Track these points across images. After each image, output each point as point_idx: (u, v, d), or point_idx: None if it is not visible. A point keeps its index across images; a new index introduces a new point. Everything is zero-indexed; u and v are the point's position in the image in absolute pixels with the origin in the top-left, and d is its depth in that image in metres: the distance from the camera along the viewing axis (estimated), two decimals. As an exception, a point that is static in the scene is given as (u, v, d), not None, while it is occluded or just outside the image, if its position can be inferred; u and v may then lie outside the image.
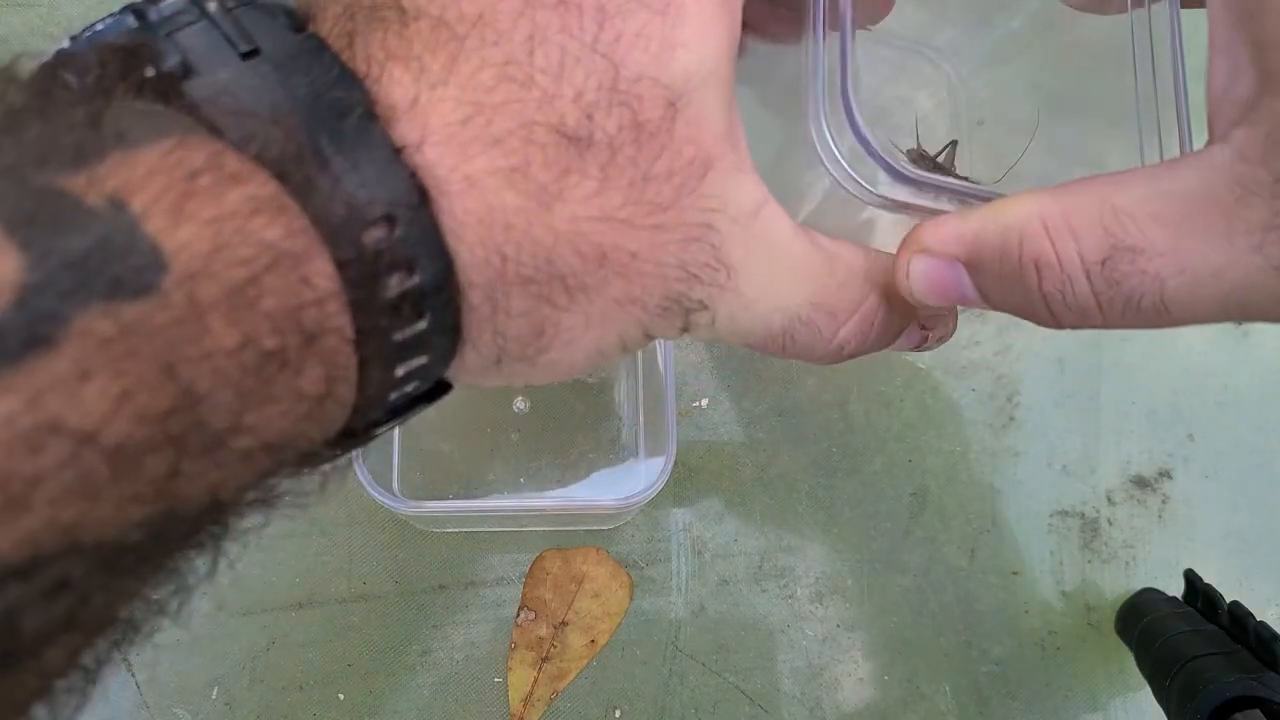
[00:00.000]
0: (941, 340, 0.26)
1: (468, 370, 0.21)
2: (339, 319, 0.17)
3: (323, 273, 0.17)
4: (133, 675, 0.49)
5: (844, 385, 0.54)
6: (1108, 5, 0.26)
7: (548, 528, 0.51)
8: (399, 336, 0.18)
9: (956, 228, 0.22)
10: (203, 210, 0.15)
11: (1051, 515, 0.54)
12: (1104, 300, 0.20)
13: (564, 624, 0.50)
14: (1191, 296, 0.19)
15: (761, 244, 0.22)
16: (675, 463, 0.43)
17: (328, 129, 0.17)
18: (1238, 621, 0.44)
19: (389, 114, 0.18)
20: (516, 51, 0.18)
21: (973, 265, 0.22)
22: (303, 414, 0.17)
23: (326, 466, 0.21)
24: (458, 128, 0.18)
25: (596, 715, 0.50)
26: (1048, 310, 0.21)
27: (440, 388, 0.22)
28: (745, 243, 0.21)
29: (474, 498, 0.51)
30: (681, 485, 0.53)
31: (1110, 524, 0.54)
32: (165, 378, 0.15)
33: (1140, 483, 0.55)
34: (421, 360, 0.19)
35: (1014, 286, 0.21)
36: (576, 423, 0.52)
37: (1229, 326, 0.56)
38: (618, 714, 0.50)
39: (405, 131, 0.18)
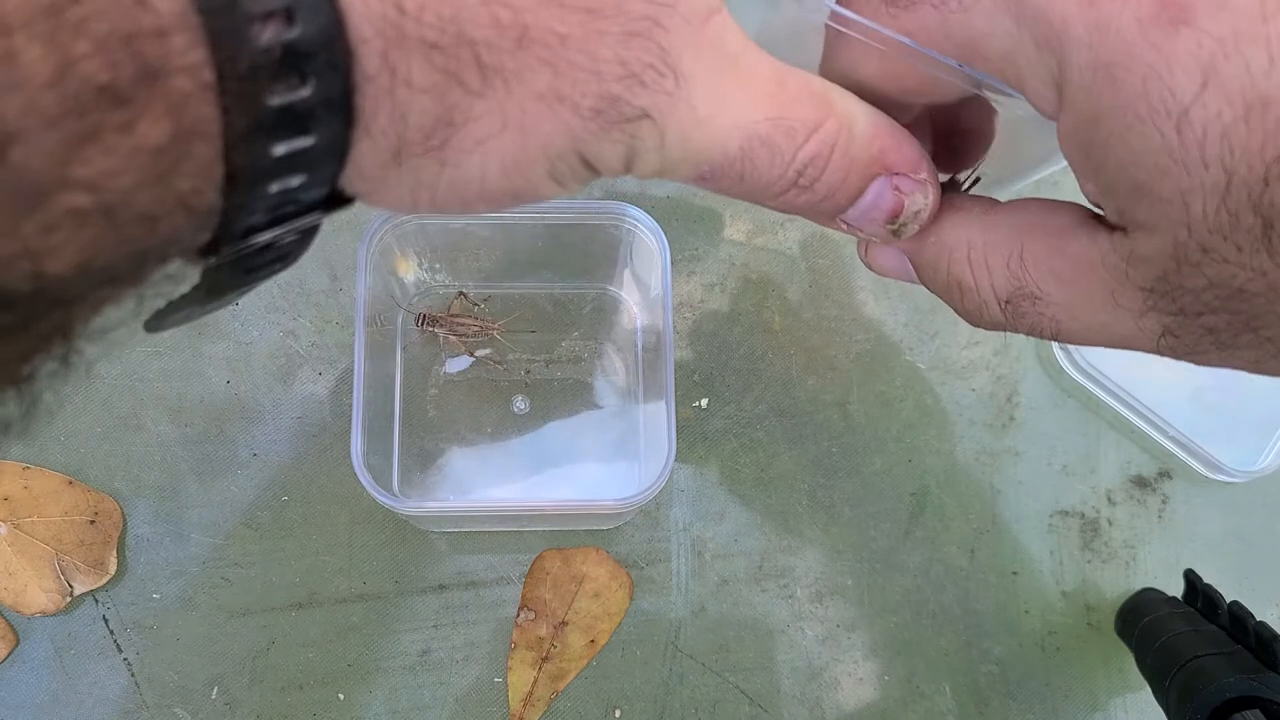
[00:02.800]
0: (919, 218, 0.23)
1: (363, 173, 0.18)
2: (190, 55, 0.14)
3: None
4: (133, 675, 0.49)
5: (844, 385, 0.55)
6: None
7: (548, 528, 0.51)
8: (275, 101, 0.16)
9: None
10: None
11: (1051, 515, 0.54)
12: (1011, 324, 0.23)
13: (564, 624, 0.50)
14: (1083, 337, 0.22)
15: (714, 52, 0.20)
16: (675, 463, 0.43)
17: None
18: (1238, 621, 0.44)
19: None
20: None
21: (915, 263, 0.25)
22: (145, 169, 0.14)
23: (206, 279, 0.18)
24: None
25: (596, 715, 0.50)
26: (968, 318, 0.24)
27: (335, 199, 0.19)
28: (697, 47, 0.19)
29: (474, 498, 0.51)
30: (681, 485, 0.53)
31: (1110, 524, 0.54)
32: None
33: (1140, 483, 0.55)
34: (305, 142, 0.16)
35: (943, 292, 0.24)
36: (576, 423, 0.52)
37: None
38: (618, 714, 0.50)
39: None
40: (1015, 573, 0.53)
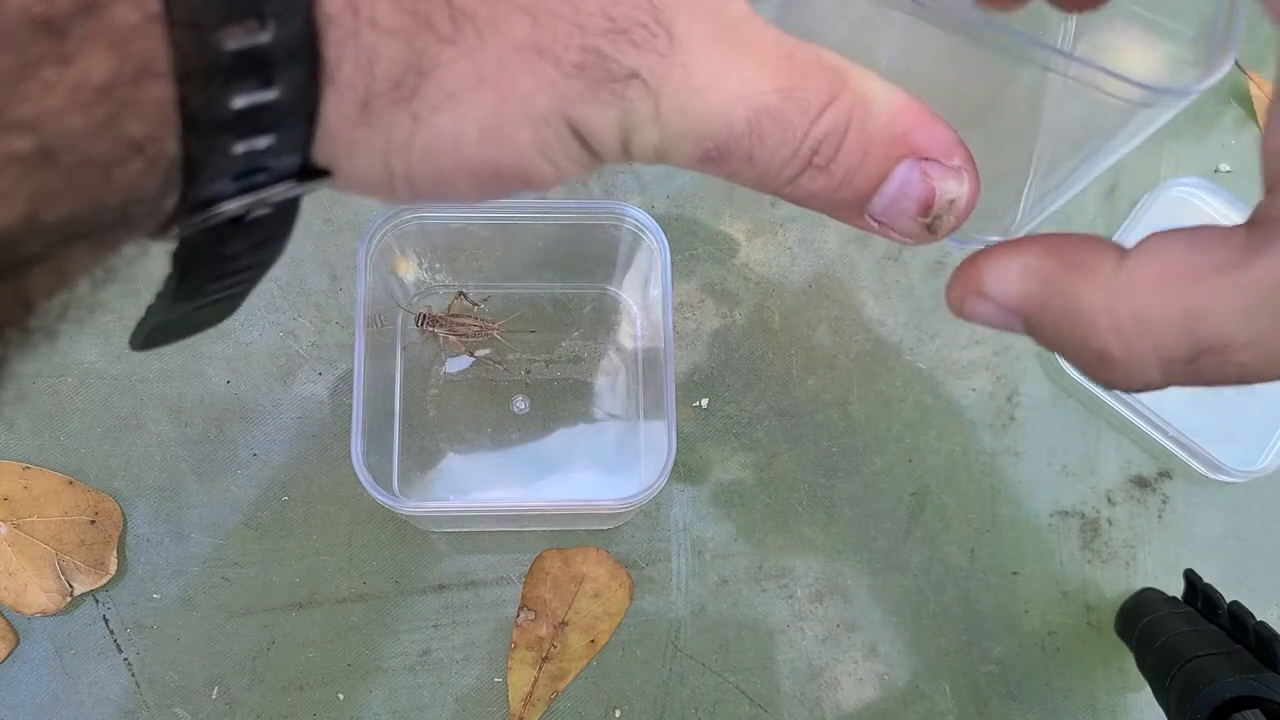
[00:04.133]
0: (955, 208, 0.20)
1: (330, 134, 0.17)
2: None
3: None
4: (133, 675, 0.49)
5: (844, 385, 0.55)
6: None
7: (548, 528, 0.51)
8: (231, 44, 0.15)
9: (1020, 283, 0.21)
10: None
11: (1051, 515, 0.54)
12: (1177, 381, 0.20)
13: (564, 624, 0.50)
14: (1272, 372, 0.19)
15: (713, 16, 0.18)
16: (675, 463, 0.43)
17: None
18: (1238, 621, 0.44)
19: None
20: None
21: (1033, 326, 0.21)
22: (90, 108, 0.14)
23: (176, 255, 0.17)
24: None
25: (596, 715, 0.50)
26: (1109, 384, 0.21)
27: (306, 171, 0.18)
28: (693, 10, 0.18)
29: (474, 498, 0.51)
30: (681, 485, 0.53)
31: (1110, 524, 0.54)
32: None
33: (1140, 483, 0.55)
34: (267, 96, 0.16)
35: (1078, 359, 0.21)
36: (576, 423, 0.52)
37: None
38: (618, 714, 0.50)
39: None
40: (1015, 573, 0.53)
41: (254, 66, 0.15)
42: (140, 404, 0.51)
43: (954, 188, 0.20)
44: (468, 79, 0.17)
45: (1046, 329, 0.21)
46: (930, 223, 0.20)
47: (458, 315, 0.51)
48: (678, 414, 0.52)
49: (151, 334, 0.20)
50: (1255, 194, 0.20)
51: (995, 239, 0.25)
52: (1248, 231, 0.19)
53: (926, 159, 0.20)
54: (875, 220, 0.21)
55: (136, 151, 0.14)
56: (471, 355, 0.52)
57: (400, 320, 0.52)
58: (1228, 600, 0.46)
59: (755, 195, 0.60)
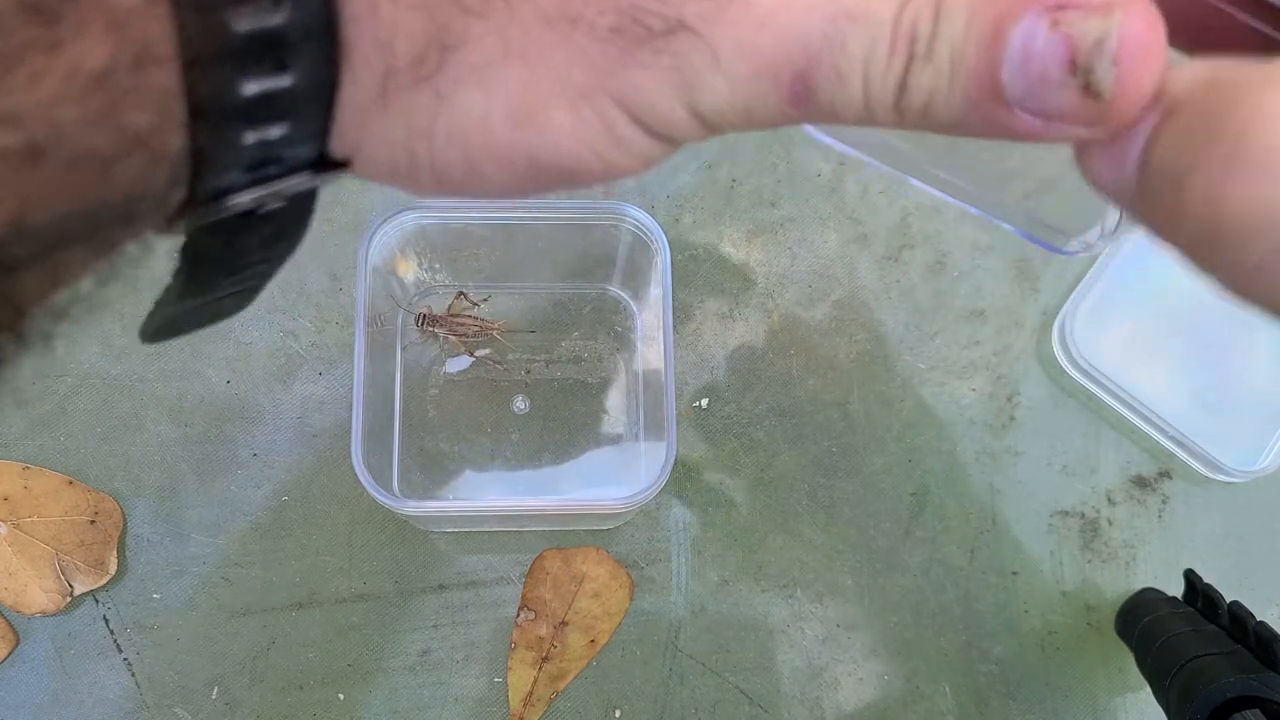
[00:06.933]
0: (1106, 50, 0.14)
1: (347, 120, 0.16)
2: None
3: None
4: (133, 675, 0.49)
5: (844, 385, 0.55)
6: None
7: (548, 528, 0.51)
8: (241, 25, 0.14)
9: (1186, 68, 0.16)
10: None
11: (1051, 515, 0.54)
12: None
13: (564, 624, 0.50)
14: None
15: None
16: (675, 463, 0.43)
17: None
18: (1238, 621, 0.44)
19: None
20: None
21: (1170, 131, 0.16)
22: (86, 99, 0.12)
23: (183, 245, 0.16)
24: None
25: (596, 715, 0.50)
26: (1257, 236, 0.15)
27: (323, 161, 0.16)
28: None
29: (474, 498, 0.51)
30: (681, 485, 0.53)
31: (1110, 524, 0.54)
32: None
33: (1140, 483, 0.55)
34: (282, 81, 0.14)
35: (1220, 183, 0.15)
36: (576, 423, 0.52)
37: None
38: (618, 714, 0.50)
39: None
40: (1015, 573, 0.53)
41: (266, 49, 0.14)
42: (140, 404, 0.51)
43: (1097, 25, 0.14)
44: (494, 53, 0.15)
45: (1192, 128, 0.15)
46: (1089, 84, 0.15)
47: (458, 315, 0.51)
48: (678, 414, 0.52)
49: (161, 327, 0.19)
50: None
51: (1097, 240, 0.23)
52: None
53: (1050, 6, 0.15)
54: (1028, 112, 0.15)
55: (138, 145, 0.13)
56: (471, 355, 0.52)
57: (400, 320, 0.52)
58: (1228, 600, 0.46)
59: (755, 195, 0.60)
